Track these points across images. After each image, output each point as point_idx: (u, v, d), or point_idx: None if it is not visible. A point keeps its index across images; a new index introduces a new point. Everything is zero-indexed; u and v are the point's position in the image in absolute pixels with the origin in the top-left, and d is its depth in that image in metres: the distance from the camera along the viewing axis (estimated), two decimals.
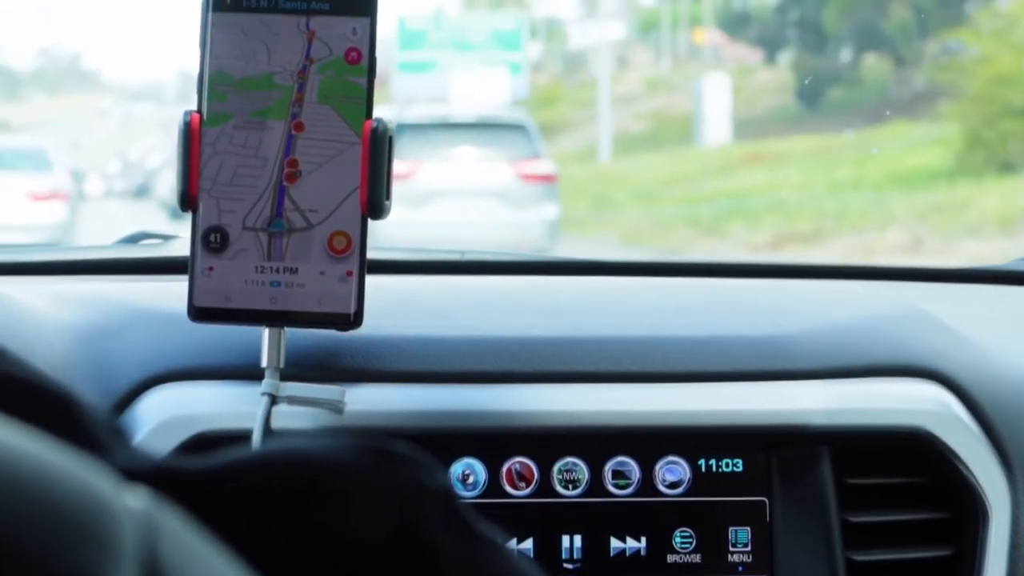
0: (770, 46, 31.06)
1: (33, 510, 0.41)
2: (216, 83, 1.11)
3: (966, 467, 1.31)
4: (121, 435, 0.54)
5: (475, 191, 13.07)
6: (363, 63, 1.11)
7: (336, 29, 1.11)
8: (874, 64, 28.47)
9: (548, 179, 13.47)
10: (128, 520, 0.42)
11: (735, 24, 32.21)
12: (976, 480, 1.31)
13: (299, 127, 1.11)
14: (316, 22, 1.11)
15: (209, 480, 0.52)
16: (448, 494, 0.56)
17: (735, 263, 1.71)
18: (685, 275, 1.63)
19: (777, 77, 29.89)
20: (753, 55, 33.39)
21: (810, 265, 1.73)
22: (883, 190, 16.95)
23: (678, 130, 27.67)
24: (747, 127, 26.48)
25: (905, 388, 1.33)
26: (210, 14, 1.11)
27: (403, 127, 13.14)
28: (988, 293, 1.70)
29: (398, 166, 12.68)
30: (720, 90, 25.55)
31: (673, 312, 1.38)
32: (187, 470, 0.52)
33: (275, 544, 0.52)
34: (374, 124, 1.11)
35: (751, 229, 15.84)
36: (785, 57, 30.65)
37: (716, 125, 25.25)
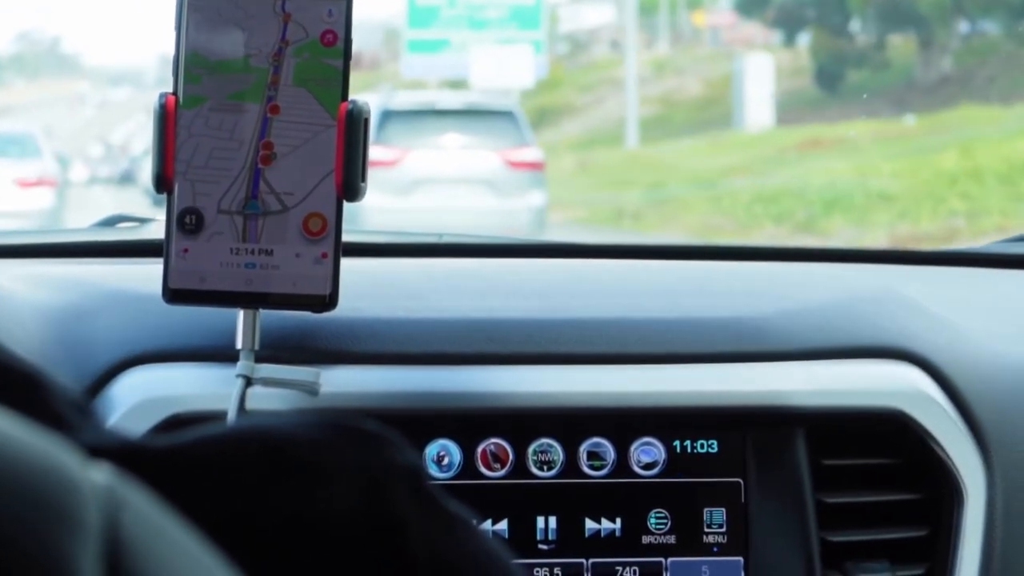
0: (789, 26, 29.75)
1: None
2: (191, 65, 1.11)
3: (941, 448, 1.31)
4: (88, 413, 0.54)
5: (462, 178, 12.99)
6: (339, 45, 1.11)
7: (312, 11, 1.11)
8: (898, 45, 27.04)
9: (536, 166, 13.38)
10: (91, 495, 0.42)
11: (749, 4, 31.00)
12: (951, 461, 1.31)
13: (275, 110, 1.11)
14: (292, 4, 1.11)
15: (175, 457, 0.52)
16: (417, 472, 0.56)
17: (709, 245, 1.71)
18: (660, 257, 1.63)
19: (792, 59, 28.51)
20: (758, 36, 32.49)
21: (786, 248, 1.73)
22: (1015, 181, 14.30)
23: (691, 114, 26.51)
24: None
25: (881, 369, 1.33)
26: None
27: (390, 113, 13.06)
28: (966, 276, 1.70)
29: (385, 153, 12.59)
30: (762, 71, 23.88)
31: (648, 293, 1.38)
32: (153, 447, 0.52)
33: (242, 520, 0.52)
34: (349, 106, 1.11)
35: (859, 227, 13.75)
36: (804, 39, 29.21)
37: (758, 108, 23.50)
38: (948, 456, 1.31)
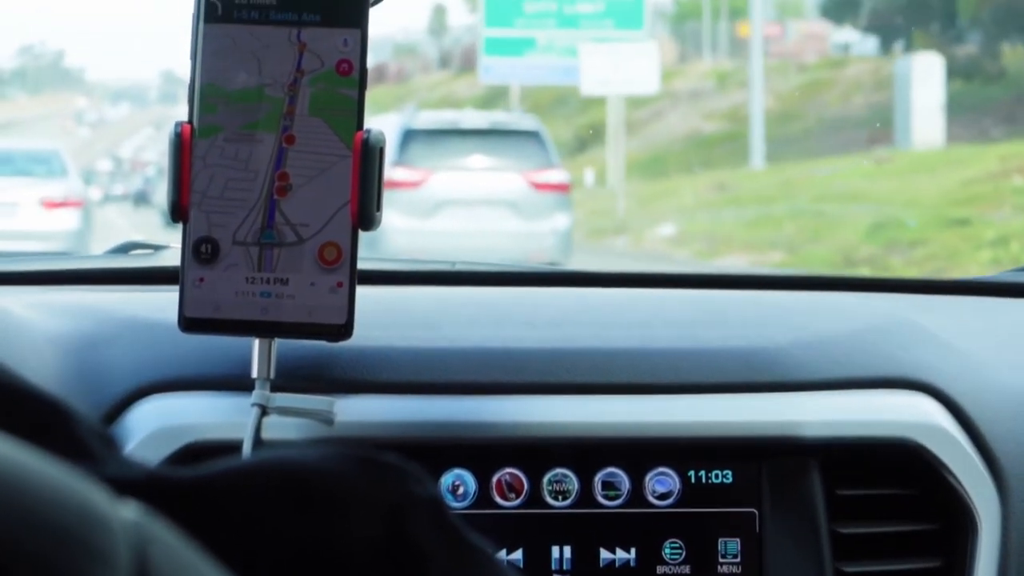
0: (885, 33, 27.10)
1: (26, 521, 0.41)
2: (207, 95, 1.11)
3: (955, 478, 1.31)
4: (112, 444, 0.54)
5: (486, 200, 12.82)
6: (354, 75, 1.12)
7: (327, 41, 1.11)
8: (1010, 53, 24.05)
9: (561, 188, 13.20)
10: (121, 531, 0.43)
11: (840, 9, 28.29)
12: (965, 491, 1.31)
13: (290, 140, 1.11)
14: (307, 34, 1.11)
15: (198, 489, 0.52)
16: (437, 503, 0.56)
17: (724, 274, 1.71)
18: (674, 287, 1.63)
19: (875, 69, 25.93)
20: (810, 47, 30.53)
21: (800, 276, 1.73)
22: None
23: (770, 130, 22.75)
24: (844, 126, 22.88)
25: (894, 400, 1.33)
26: (200, 25, 1.11)
27: (413, 133, 12.92)
28: (980, 305, 1.70)
29: (408, 175, 12.47)
30: (931, 74, 20.03)
31: (662, 324, 1.38)
32: (177, 479, 0.53)
33: (264, 552, 0.52)
34: (365, 135, 1.11)
35: None
36: (900, 47, 26.41)
37: (926, 121, 19.81)
38: (962, 487, 1.31)
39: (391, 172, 12.24)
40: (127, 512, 0.44)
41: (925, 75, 19.86)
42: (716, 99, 28.86)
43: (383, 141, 1.12)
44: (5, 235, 13.87)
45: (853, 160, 19.89)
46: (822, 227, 15.64)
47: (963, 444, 1.32)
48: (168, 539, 0.44)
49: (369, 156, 1.12)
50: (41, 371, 1.22)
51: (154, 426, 1.21)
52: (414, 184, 12.55)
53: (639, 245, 17.05)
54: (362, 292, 1.14)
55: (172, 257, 1.49)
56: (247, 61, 1.11)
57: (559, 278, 1.69)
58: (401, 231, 11.79)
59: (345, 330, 1.13)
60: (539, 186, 13.00)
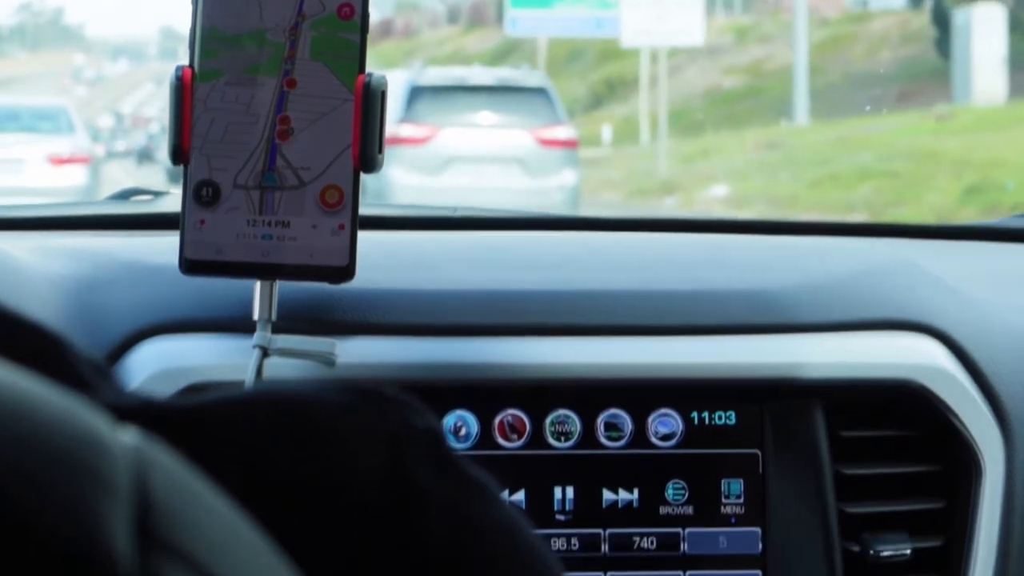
0: None
1: (27, 445, 0.41)
2: (208, 39, 1.11)
3: (959, 420, 1.31)
4: (109, 375, 0.54)
5: (493, 157, 12.77)
6: (355, 19, 1.11)
7: None
8: None
9: (569, 144, 13.12)
10: (121, 457, 0.43)
11: None
12: (969, 433, 1.31)
13: (291, 84, 1.11)
14: None
15: (198, 417, 0.52)
16: (436, 436, 0.56)
17: (726, 219, 1.70)
18: (676, 230, 1.63)
19: (902, 23, 24.86)
20: (836, 2, 29.19)
21: (802, 222, 1.73)
22: None
23: (785, 86, 21.68)
24: (872, 82, 21.83)
25: (897, 341, 1.33)
26: None
27: (420, 89, 12.85)
28: (984, 249, 1.70)
29: (415, 131, 12.42)
30: (992, 26, 18.56)
31: (665, 266, 1.38)
32: (176, 407, 0.52)
33: (263, 481, 0.52)
34: (367, 79, 1.11)
35: None
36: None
37: (987, 75, 18.46)
38: (966, 428, 1.31)
39: (397, 128, 12.20)
40: (127, 437, 0.44)
41: (986, 26, 18.58)
42: (735, 54, 27.89)
43: (385, 84, 1.12)
44: (11, 191, 13.76)
45: (908, 117, 18.41)
46: (901, 188, 14.86)
47: (966, 386, 1.32)
48: (168, 464, 0.44)
49: (371, 99, 1.11)
50: (43, 313, 1.22)
51: (155, 368, 1.21)
52: (421, 140, 12.49)
53: (691, 207, 16.06)
54: (363, 236, 1.14)
55: (173, 203, 1.49)
56: (248, 5, 1.11)
57: (561, 223, 1.69)
58: (408, 187, 11.75)
59: (347, 272, 1.13)
60: (546, 142, 12.94)
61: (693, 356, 1.29)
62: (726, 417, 1.30)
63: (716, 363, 1.29)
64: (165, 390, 1.20)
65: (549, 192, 12.69)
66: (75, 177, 14.40)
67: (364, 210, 1.14)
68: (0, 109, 17.07)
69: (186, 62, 1.13)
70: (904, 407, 1.32)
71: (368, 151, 1.11)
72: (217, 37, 1.11)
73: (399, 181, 11.86)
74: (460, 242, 1.47)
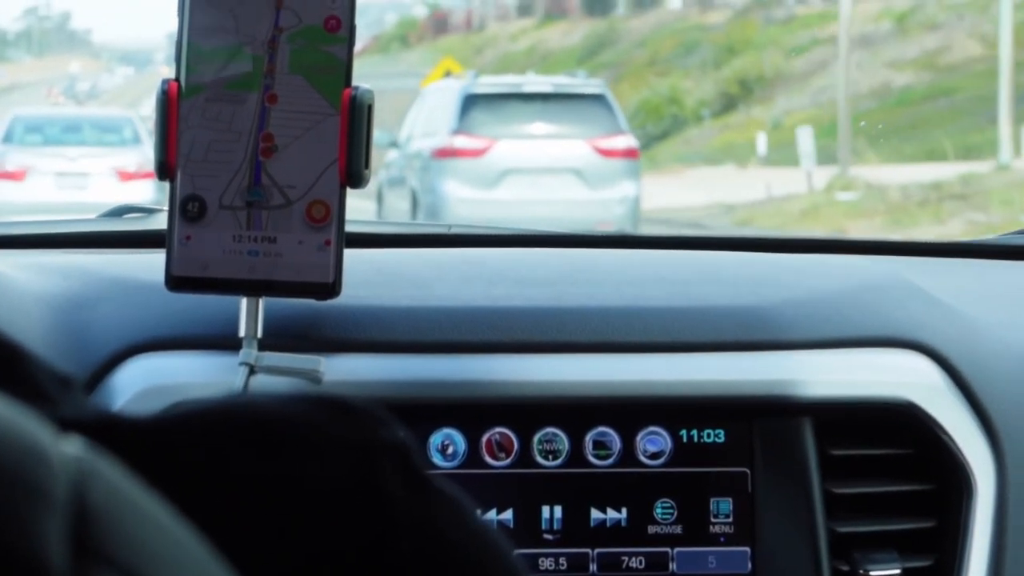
0: None
1: None
2: (189, 53, 1.11)
3: (951, 439, 1.30)
4: (71, 386, 0.54)
5: (550, 168, 12.43)
6: (343, 32, 1.11)
7: None
8: None
9: (629, 155, 12.76)
10: (60, 467, 0.42)
11: None
12: (961, 452, 1.30)
13: (272, 99, 1.11)
14: None
15: (155, 431, 0.52)
16: (404, 449, 0.56)
17: (717, 236, 1.70)
18: (667, 247, 1.62)
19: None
20: None
21: (794, 238, 1.72)
22: None
23: (984, 83, 17.90)
24: None
25: (889, 359, 1.32)
26: None
27: (474, 98, 12.59)
28: (977, 267, 1.70)
29: (470, 143, 12.26)
30: None
31: (655, 282, 1.38)
32: (131, 420, 0.52)
33: (226, 494, 0.52)
34: (353, 92, 1.11)
35: None
36: None
37: None
38: (958, 447, 1.30)
39: (452, 140, 12.04)
40: (69, 447, 0.43)
41: None
42: (898, 45, 23.93)
43: (371, 98, 1.12)
44: (77, 208, 12.96)
45: None
46: None
47: (958, 404, 1.31)
48: (109, 474, 0.44)
49: (358, 113, 1.11)
50: (29, 330, 1.22)
51: (141, 385, 1.20)
52: (477, 153, 12.20)
53: None
54: (352, 253, 1.13)
55: (164, 221, 1.49)
56: (224, 18, 1.10)
57: (551, 239, 1.69)
58: (464, 201, 11.49)
59: (332, 289, 1.13)
60: (605, 152, 12.58)
61: (682, 373, 1.28)
62: (715, 435, 1.29)
63: (705, 380, 1.28)
64: (152, 407, 1.19)
65: (609, 204, 12.39)
66: (143, 192, 13.70)
67: (358, 227, 1.14)
68: (61, 120, 16.57)
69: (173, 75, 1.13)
70: (895, 425, 1.31)
71: (355, 166, 1.11)
72: (196, 52, 1.11)
73: (454, 195, 11.71)
74: (450, 259, 1.47)
